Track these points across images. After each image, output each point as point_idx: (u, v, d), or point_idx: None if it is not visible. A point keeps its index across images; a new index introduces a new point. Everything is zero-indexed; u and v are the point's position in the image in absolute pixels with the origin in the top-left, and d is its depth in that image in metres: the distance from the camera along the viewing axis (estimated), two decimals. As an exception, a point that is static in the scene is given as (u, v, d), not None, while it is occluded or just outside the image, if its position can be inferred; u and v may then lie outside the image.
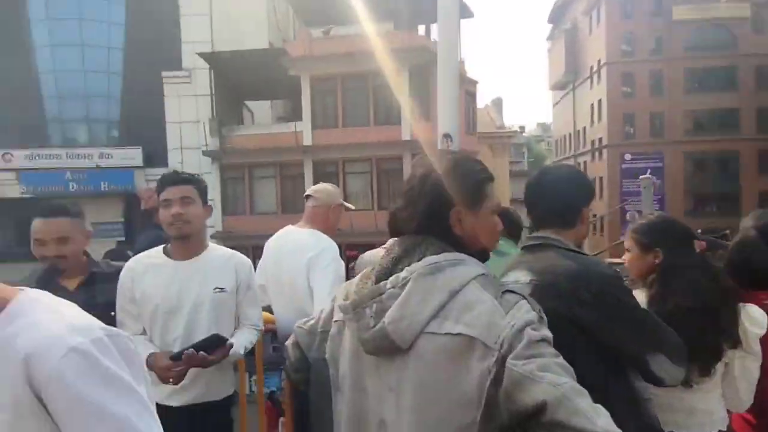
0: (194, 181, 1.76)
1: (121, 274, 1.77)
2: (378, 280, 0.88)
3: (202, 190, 1.78)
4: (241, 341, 1.75)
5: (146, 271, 1.74)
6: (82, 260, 1.81)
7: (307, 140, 14.55)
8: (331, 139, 14.30)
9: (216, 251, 1.83)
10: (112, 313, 1.76)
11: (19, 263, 1.82)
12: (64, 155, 15.06)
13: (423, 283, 0.83)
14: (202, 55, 14.35)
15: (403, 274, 0.85)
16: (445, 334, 0.80)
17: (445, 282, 0.82)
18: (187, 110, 15.06)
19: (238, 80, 15.14)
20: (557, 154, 37.03)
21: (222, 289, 1.74)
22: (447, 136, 2.13)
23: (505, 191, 20.32)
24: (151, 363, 1.62)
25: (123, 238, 14.54)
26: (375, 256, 2.17)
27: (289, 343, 1.10)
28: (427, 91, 14.45)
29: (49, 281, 1.74)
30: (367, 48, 13.50)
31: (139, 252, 1.93)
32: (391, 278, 0.86)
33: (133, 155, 15.15)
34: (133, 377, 0.81)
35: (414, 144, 14.17)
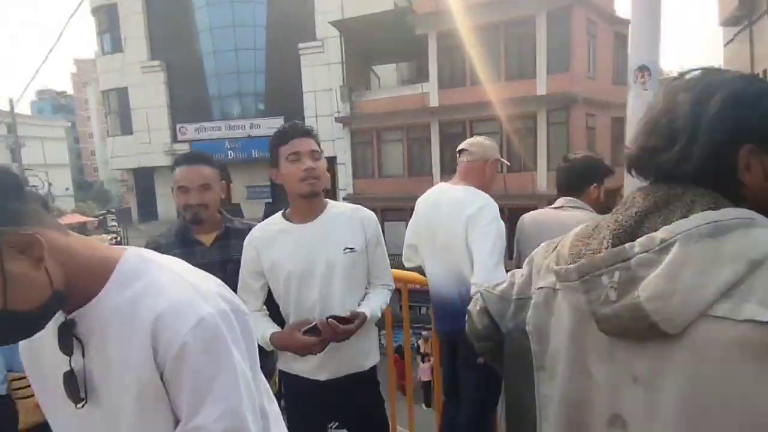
0: (316, 136, 1.61)
1: (245, 245, 1.65)
2: (616, 242, 0.68)
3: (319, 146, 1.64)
4: (379, 303, 1.67)
5: (272, 238, 1.61)
6: (217, 215, 1.79)
7: (434, 101, 14.23)
8: (458, 99, 13.72)
9: (337, 208, 1.68)
10: None
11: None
12: (223, 127, 17.06)
13: (700, 247, 0.60)
14: (332, 23, 14.81)
15: (660, 234, 0.63)
16: (746, 321, 0.57)
17: (737, 248, 0.59)
18: (321, 79, 15.82)
19: (365, 45, 15.35)
20: (734, 104, 30.50)
21: (352, 249, 1.61)
22: (643, 68, 1.69)
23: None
24: (275, 341, 1.55)
25: (270, 200, 16.31)
26: (539, 217, 1.97)
27: (473, 308, 0.97)
28: (567, 37, 12.90)
29: (186, 234, 1.76)
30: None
31: None
32: (640, 239, 0.65)
33: (277, 124, 16.45)
34: (248, 359, 0.77)
35: (550, 99, 12.89)
